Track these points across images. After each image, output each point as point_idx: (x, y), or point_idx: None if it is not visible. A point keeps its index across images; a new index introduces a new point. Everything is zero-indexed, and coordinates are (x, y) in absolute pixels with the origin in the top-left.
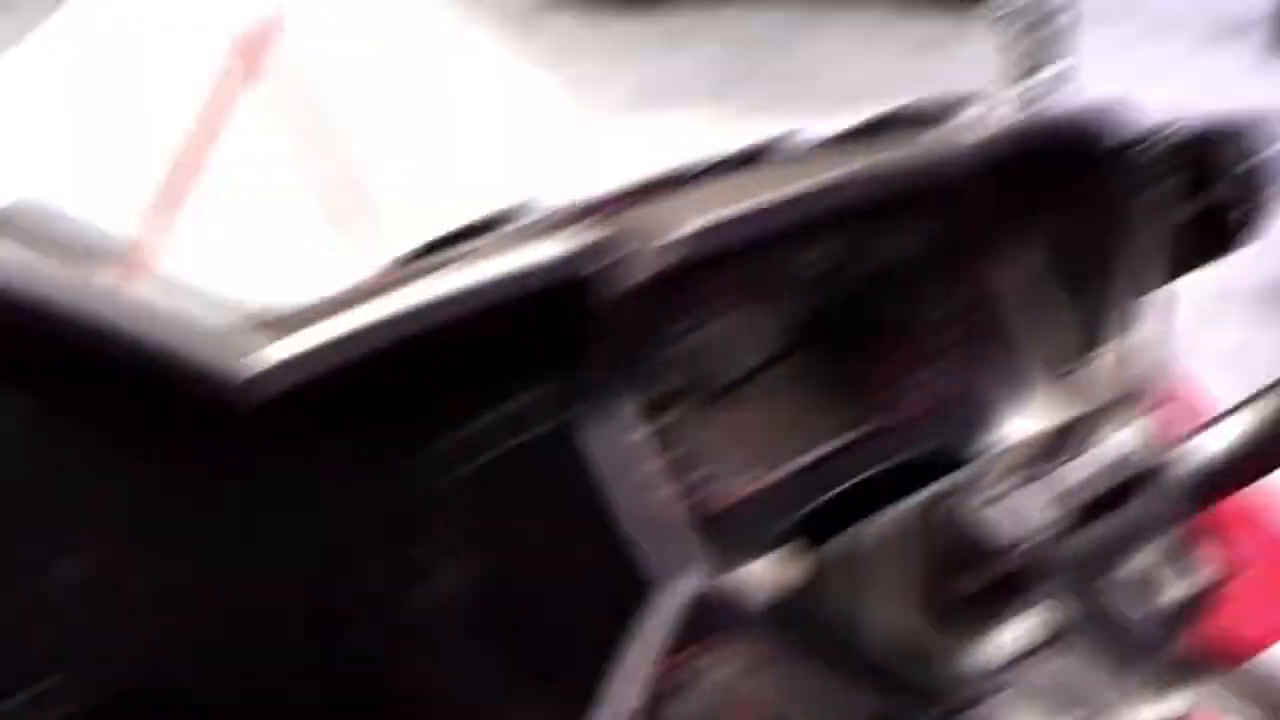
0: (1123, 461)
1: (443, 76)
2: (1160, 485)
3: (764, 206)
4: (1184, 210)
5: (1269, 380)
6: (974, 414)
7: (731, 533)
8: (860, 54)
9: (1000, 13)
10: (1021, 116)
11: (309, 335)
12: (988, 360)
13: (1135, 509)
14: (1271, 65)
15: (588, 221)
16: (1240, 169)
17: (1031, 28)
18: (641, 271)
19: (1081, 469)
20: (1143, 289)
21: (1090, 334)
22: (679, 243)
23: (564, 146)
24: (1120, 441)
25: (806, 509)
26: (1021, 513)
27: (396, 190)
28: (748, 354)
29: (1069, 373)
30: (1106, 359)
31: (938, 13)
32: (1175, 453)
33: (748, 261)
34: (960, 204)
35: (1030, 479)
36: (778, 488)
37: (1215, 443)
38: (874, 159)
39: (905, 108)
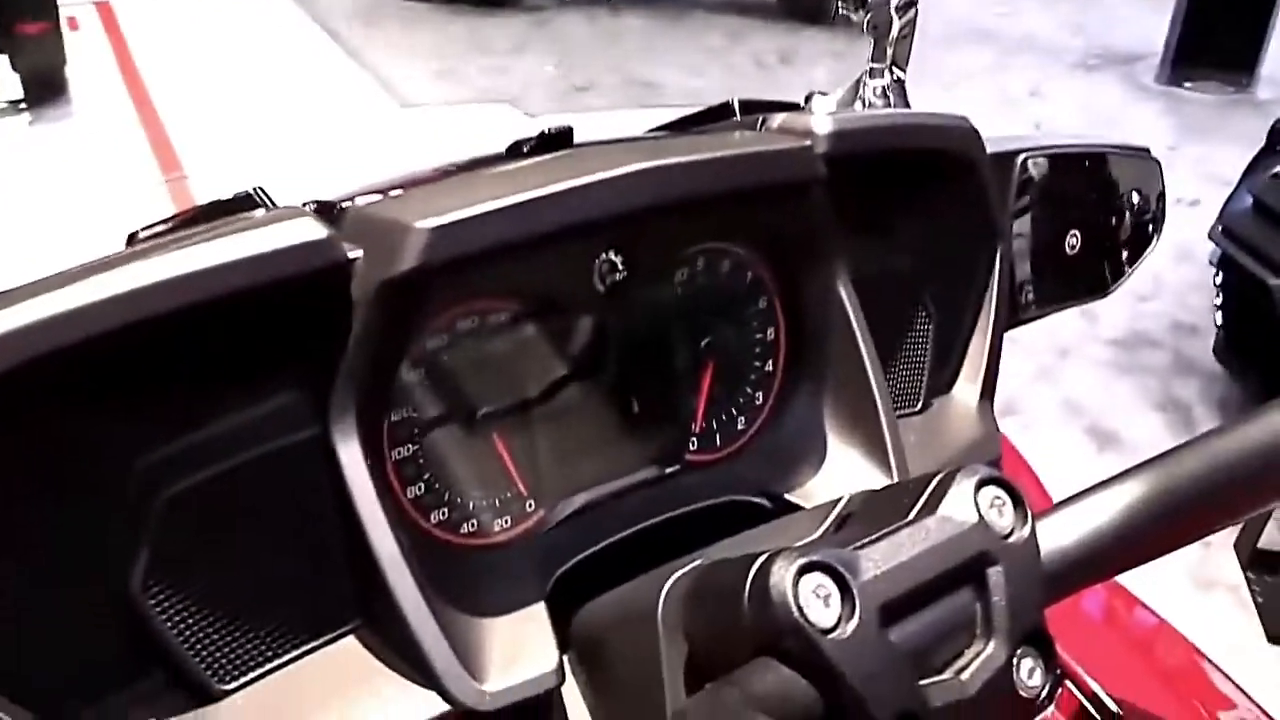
0: (964, 537)
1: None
2: (1007, 570)
3: (537, 198)
4: (1046, 240)
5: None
6: (789, 458)
7: (481, 578)
8: (703, 66)
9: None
10: (858, 123)
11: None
12: (810, 397)
13: (972, 595)
14: (1154, 94)
15: (344, 210)
16: (1111, 200)
17: (877, 41)
18: (403, 262)
19: (915, 541)
20: (996, 326)
21: (934, 376)
22: (435, 234)
23: (366, 137)
24: (961, 511)
25: (576, 561)
26: (838, 588)
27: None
28: (521, 379)
29: (907, 416)
30: (950, 405)
31: (788, 27)
32: (1028, 530)
33: (523, 261)
34: (778, 212)
35: (853, 546)
36: (542, 533)
37: (1082, 522)
38: (672, 151)
39: (726, 104)
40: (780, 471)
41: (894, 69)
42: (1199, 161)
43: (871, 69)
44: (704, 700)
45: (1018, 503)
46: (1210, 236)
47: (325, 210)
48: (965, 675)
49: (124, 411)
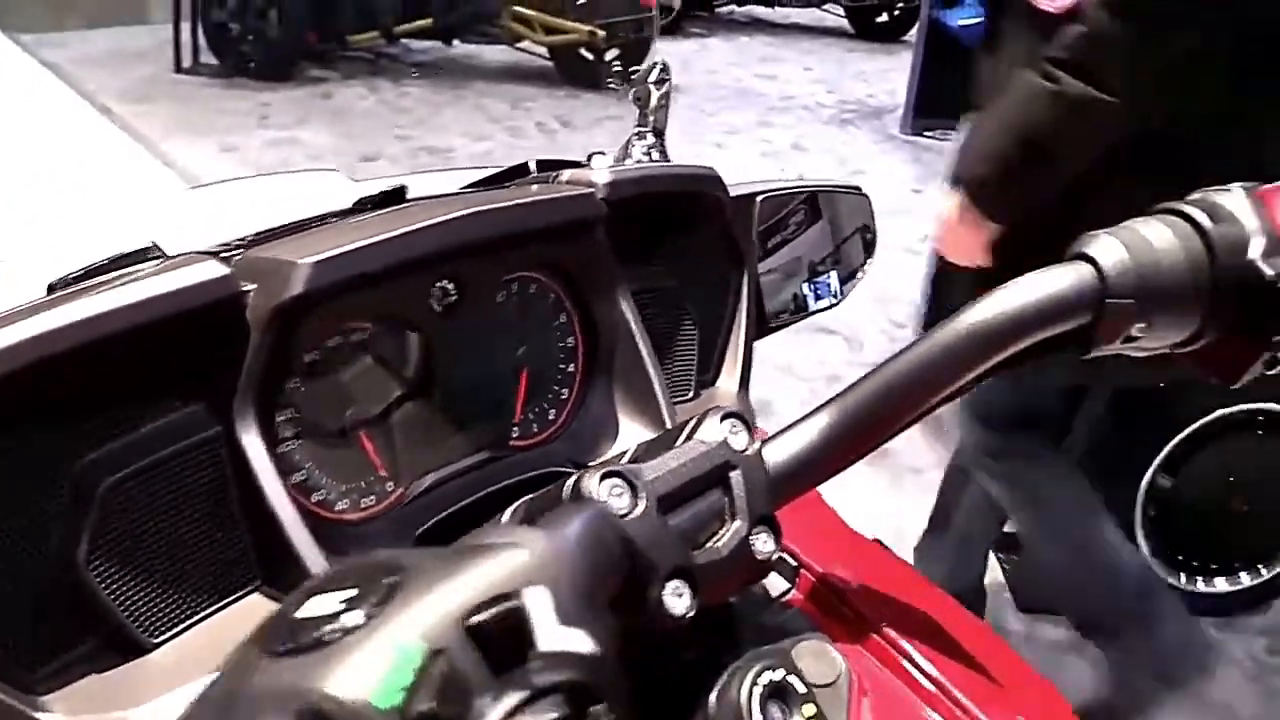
0: (713, 453)
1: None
2: (745, 473)
3: (389, 238)
4: (786, 262)
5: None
6: (592, 437)
7: (355, 544)
8: (489, 131)
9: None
10: (630, 174)
11: None
12: (605, 389)
13: (721, 493)
14: (900, 143)
15: (233, 254)
16: (834, 228)
17: (641, 109)
18: (286, 292)
19: (680, 456)
20: (747, 333)
21: (701, 372)
22: (316, 268)
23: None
24: (711, 435)
25: (431, 524)
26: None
27: None
28: (378, 384)
29: (682, 403)
30: (716, 395)
31: (568, 93)
32: (757, 446)
33: (378, 288)
34: (570, 245)
35: (638, 461)
36: (401, 506)
37: (797, 440)
38: (486, 201)
39: (525, 164)
40: (585, 448)
41: (655, 132)
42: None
43: (638, 131)
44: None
45: (750, 429)
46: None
47: (217, 255)
48: (718, 544)
49: (66, 424)
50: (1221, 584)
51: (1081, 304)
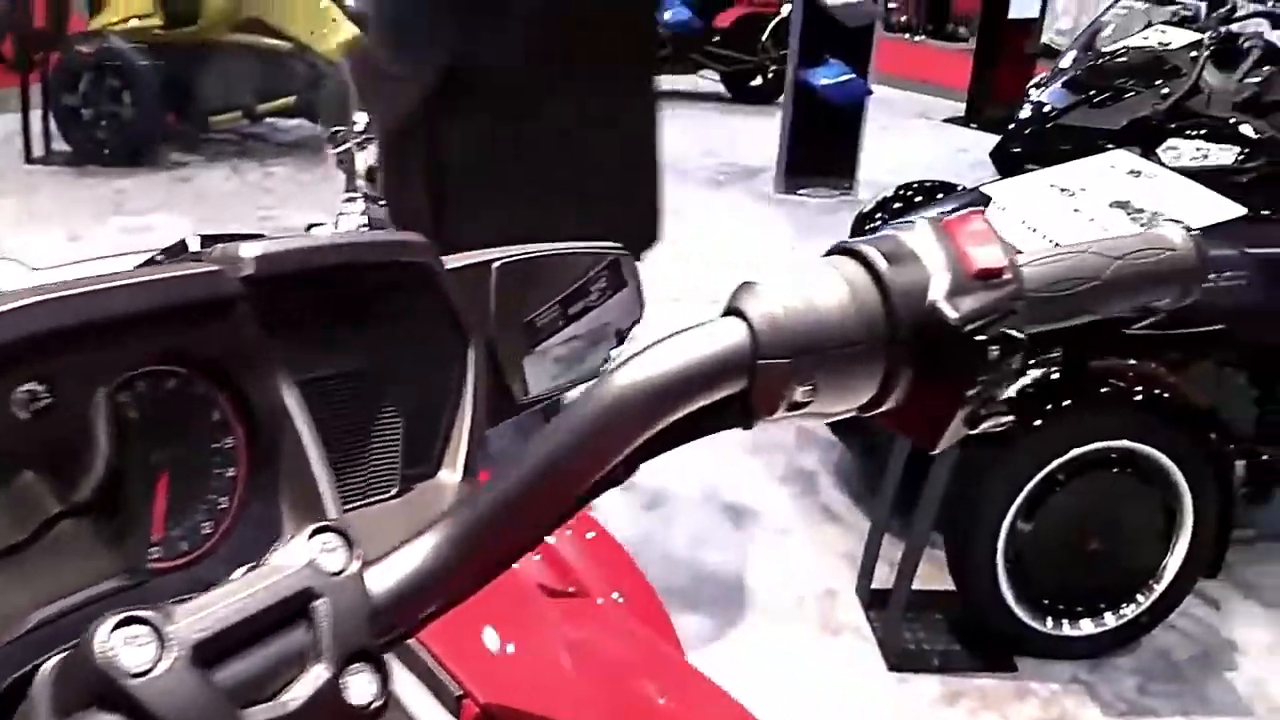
0: (289, 578)
1: None
2: (334, 601)
3: None
4: (538, 329)
5: None
6: (253, 552)
7: None
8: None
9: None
10: (291, 247)
11: None
12: (271, 494)
13: (305, 629)
14: (775, 201)
15: None
16: (590, 290)
17: (348, 175)
18: None
19: (241, 587)
20: (477, 416)
21: (411, 464)
22: None
23: None
24: (291, 557)
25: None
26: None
27: None
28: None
29: (383, 501)
30: (432, 489)
31: None
32: (356, 566)
33: None
34: (205, 331)
35: (175, 601)
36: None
37: (411, 558)
38: (83, 285)
39: (183, 241)
40: (244, 565)
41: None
42: (815, 254)
43: (348, 198)
44: None
45: (350, 545)
46: None
47: None
48: (287, 696)
49: None
50: (1087, 626)
51: (731, 367)
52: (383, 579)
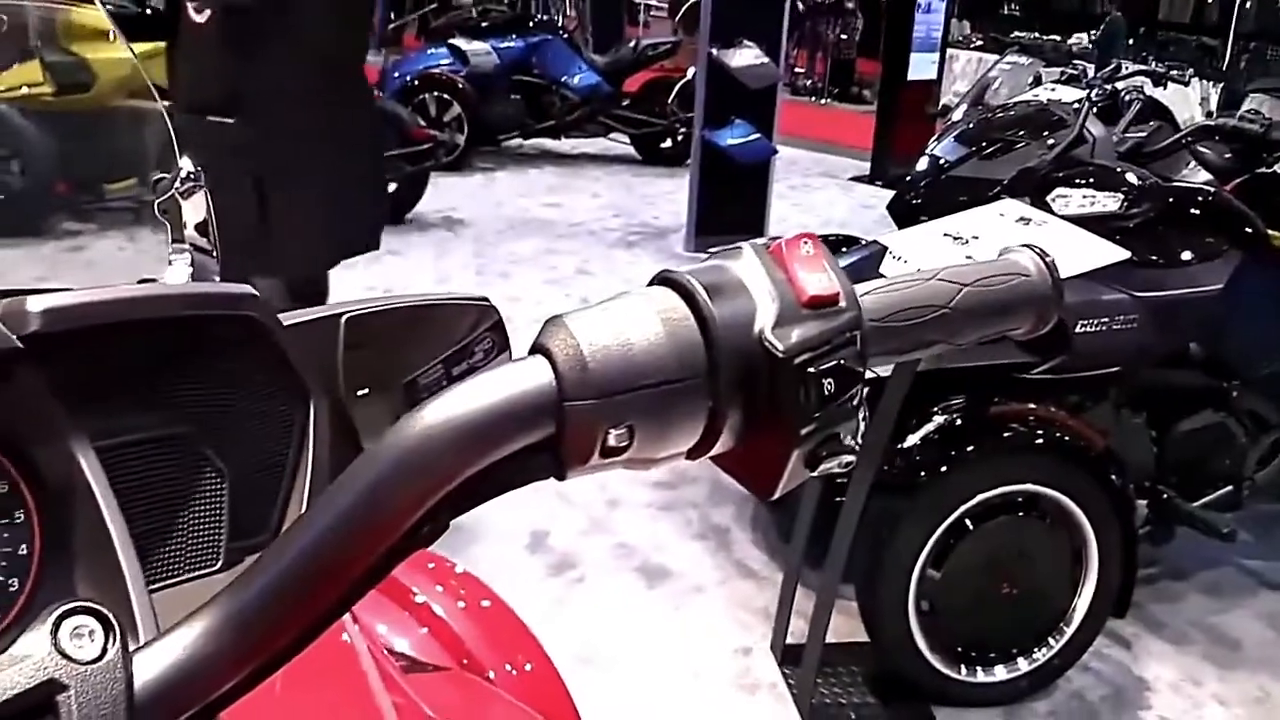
0: (30, 668)
1: None
2: (80, 694)
3: None
4: (397, 378)
5: None
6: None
7: None
8: None
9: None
10: (83, 301)
11: None
12: (68, 574)
13: None
14: (685, 260)
15: None
16: (450, 341)
17: (172, 224)
18: None
19: None
20: (317, 481)
21: (239, 534)
22: None
23: None
24: (33, 645)
25: None
26: None
27: None
28: None
29: (207, 575)
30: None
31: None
32: (115, 653)
33: None
34: (8, 392)
35: None
36: None
37: (187, 638)
38: None
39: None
40: None
41: (199, 249)
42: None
43: (174, 249)
44: None
45: (109, 629)
46: None
47: None
48: None
49: None
50: (1001, 672)
51: (535, 411)
52: (150, 667)
